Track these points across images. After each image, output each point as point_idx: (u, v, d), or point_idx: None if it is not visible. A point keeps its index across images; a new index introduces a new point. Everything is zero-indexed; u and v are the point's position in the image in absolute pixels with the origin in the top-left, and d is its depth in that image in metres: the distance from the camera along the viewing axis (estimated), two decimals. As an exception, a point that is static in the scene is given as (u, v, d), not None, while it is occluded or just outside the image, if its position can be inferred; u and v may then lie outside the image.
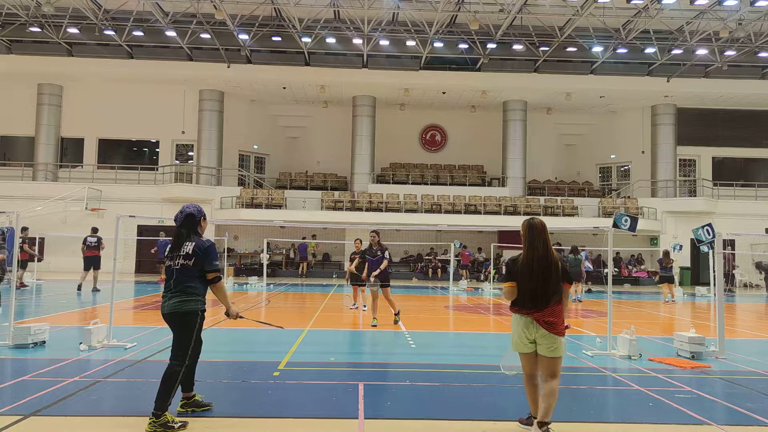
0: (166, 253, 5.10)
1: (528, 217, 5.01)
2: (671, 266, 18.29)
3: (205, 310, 5.07)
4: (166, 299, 4.97)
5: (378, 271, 10.90)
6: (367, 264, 11.30)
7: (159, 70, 28.80)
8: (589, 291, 21.59)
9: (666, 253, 18.53)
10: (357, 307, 14.01)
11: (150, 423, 4.62)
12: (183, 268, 4.92)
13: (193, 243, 4.99)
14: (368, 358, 8.20)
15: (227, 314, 5.25)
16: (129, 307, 13.91)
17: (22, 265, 17.54)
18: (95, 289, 16.96)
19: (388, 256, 11.07)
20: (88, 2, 24.45)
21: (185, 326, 4.91)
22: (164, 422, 4.64)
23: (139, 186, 29.45)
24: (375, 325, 10.98)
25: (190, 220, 5.08)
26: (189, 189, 28.84)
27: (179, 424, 4.71)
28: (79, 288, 16.84)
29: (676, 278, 22.08)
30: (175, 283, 4.93)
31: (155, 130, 30.77)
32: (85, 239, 17.46)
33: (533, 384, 4.86)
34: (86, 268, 17.19)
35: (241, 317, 5.31)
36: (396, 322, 11.18)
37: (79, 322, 10.57)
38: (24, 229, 18.18)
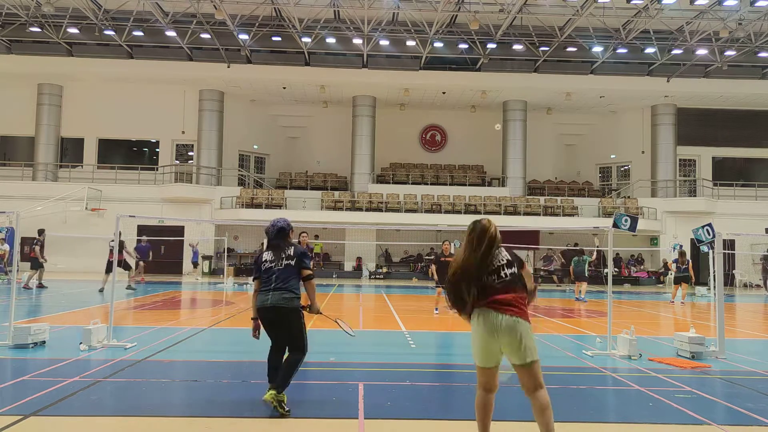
0: (263, 259, 5.53)
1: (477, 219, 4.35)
2: (686, 266, 18.23)
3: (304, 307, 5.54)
4: (268, 294, 5.35)
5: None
6: None
7: (159, 70, 28.81)
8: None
9: (682, 253, 18.52)
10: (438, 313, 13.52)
11: (271, 393, 5.08)
12: (286, 267, 5.44)
13: (293, 247, 5.57)
14: (368, 358, 8.19)
15: (309, 309, 5.57)
16: (129, 307, 13.91)
17: (36, 265, 17.63)
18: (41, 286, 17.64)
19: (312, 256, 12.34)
20: (88, 2, 24.45)
21: (296, 320, 5.39)
22: (281, 400, 5.11)
23: (139, 186, 29.44)
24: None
25: (282, 233, 5.61)
26: (189, 189, 28.86)
27: (288, 409, 5.13)
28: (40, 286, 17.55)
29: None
30: (276, 280, 5.39)
31: (155, 130, 30.78)
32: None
33: (490, 403, 4.14)
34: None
35: (320, 313, 5.70)
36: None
37: (79, 322, 10.56)
38: (41, 232, 18.24)
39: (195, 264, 26.34)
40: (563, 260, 28.46)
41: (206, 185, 29.45)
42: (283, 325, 5.37)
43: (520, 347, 3.97)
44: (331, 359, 7.79)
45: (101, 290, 16.99)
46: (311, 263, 5.64)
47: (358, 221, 27.44)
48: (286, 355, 5.41)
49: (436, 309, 13.63)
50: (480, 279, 4.07)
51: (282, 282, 5.36)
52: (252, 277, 5.67)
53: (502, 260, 4.15)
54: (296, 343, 5.36)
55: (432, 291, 20.51)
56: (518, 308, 4.04)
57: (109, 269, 17.28)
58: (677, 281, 18.54)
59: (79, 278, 23.08)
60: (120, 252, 17.41)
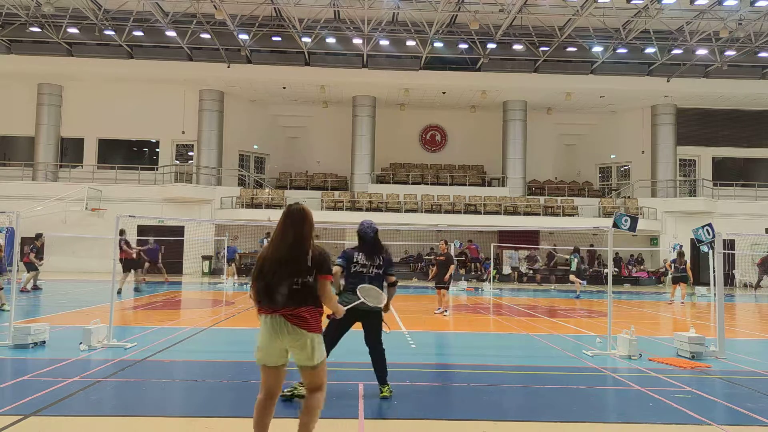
0: (355, 260, 5.96)
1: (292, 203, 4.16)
2: (684, 267, 18.30)
3: None
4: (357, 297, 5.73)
5: None
6: None
7: (159, 70, 28.80)
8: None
9: (680, 254, 18.60)
10: (442, 312, 13.29)
11: (387, 388, 5.87)
12: (376, 276, 5.96)
13: (382, 255, 6.06)
14: (368, 358, 8.18)
15: (384, 310, 6.01)
16: (129, 307, 13.91)
17: (31, 268, 17.29)
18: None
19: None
20: (88, 2, 24.45)
21: (380, 321, 6.02)
22: (389, 388, 5.89)
23: (139, 186, 29.43)
24: None
25: (378, 237, 6.12)
26: (189, 189, 28.85)
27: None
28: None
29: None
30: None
31: (155, 130, 30.76)
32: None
33: (270, 407, 4.09)
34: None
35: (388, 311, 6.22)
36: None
37: (79, 322, 10.56)
38: (38, 236, 17.99)
39: (231, 261, 25.27)
40: (555, 258, 28.66)
41: (206, 185, 29.44)
42: (373, 325, 5.97)
43: (304, 347, 3.89)
44: (330, 359, 7.78)
45: (119, 291, 16.40)
46: (394, 269, 6.25)
47: (358, 221, 27.36)
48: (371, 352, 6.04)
49: (438, 309, 13.48)
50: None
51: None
52: (336, 263, 5.84)
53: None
54: (379, 338, 6.02)
55: (432, 291, 20.52)
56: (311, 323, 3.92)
57: (125, 268, 17.13)
58: (675, 281, 18.64)
59: (79, 278, 23.07)
60: (121, 250, 16.90)
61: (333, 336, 5.82)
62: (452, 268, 13.41)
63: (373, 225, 6.21)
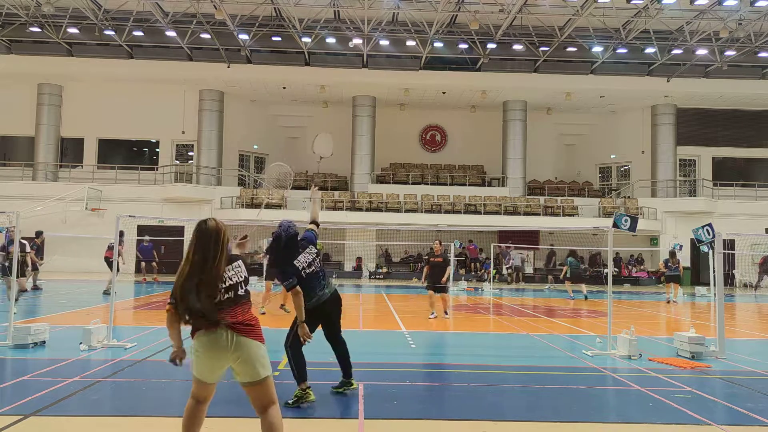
0: (301, 267, 5.67)
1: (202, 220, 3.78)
2: (677, 266, 18.32)
3: None
4: (326, 289, 5.83)
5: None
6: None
7: (159, 70, 28.80)
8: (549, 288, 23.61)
9: (672, 253, 18.63)
10: (435, 316, 12.54)
11: (345, 382, 5.91)
12: (321, 265, 5.98)
13: (312, 244, 5.91)
14: (368, 358, 8.18)
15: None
16: (129, 307, 13.91)
17: (31, 267, 17.01)
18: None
19: None
20: (88, 2, 24.45)
21: (340, 314, 6.04)
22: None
23: (139, 186, 29.43)
24: (262, 313, 12.15)
25: (297, 236, 5.80)
26: (189, 189, 28.85)
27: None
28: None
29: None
30: (324, 277, 5.90)
31: (155, 130, 30.76)
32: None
33: (202, 411, 3.86)
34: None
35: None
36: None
37: (79, 322, 10.56)
38: (38, 234, 17.85)
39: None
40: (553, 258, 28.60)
41: (206, 185, 29.44)
42: (335, 319, 5.93)
43: (252, 361, 3.62)
44: (331, 359, 7.78)
45: (106, 292, 15.76)
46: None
47: (358, 221, 27.43)
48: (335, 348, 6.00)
49: (432, 313, 12.66)
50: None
51: (327, 276, 5.94)
52: (287, 283, 5.47)
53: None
54: (339, 330, 6.00)
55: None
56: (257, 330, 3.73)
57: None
58: (669, 280, 18.66)
59: (79, 278, 23.08)
60: (109, 249, 16.68)
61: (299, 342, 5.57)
62: (449, 270, 13.08)
63: (292, 225, 5.69)
